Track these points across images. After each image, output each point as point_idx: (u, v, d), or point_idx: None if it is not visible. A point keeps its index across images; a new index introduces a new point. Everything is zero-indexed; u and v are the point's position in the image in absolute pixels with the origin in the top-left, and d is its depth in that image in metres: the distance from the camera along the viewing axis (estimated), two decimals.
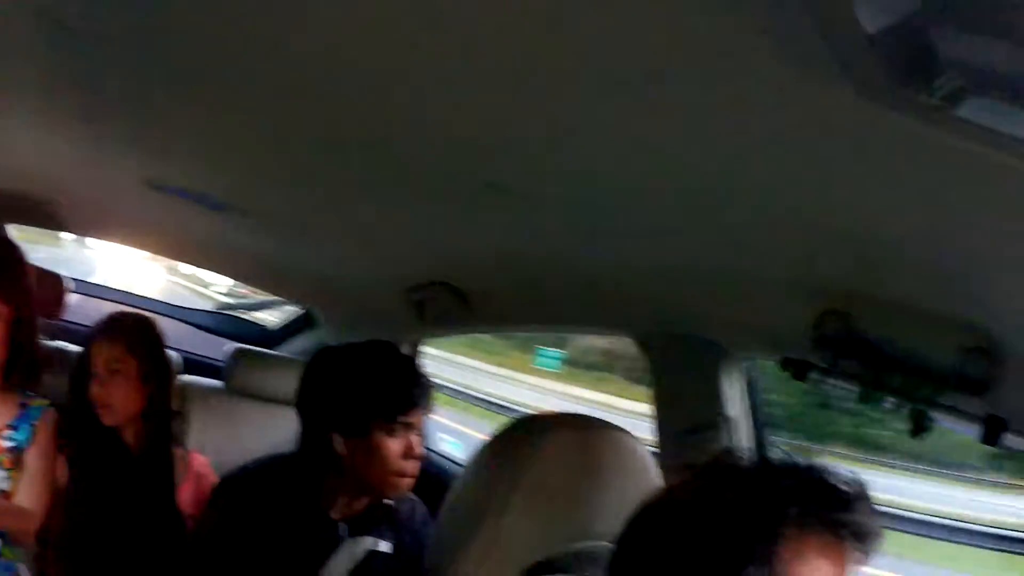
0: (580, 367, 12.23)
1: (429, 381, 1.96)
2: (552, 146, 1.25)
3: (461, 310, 2.24)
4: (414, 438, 1.89)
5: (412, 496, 2.03)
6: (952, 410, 1.43)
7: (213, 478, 2.32)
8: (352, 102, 1.27)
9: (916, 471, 8.70)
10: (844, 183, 1.08)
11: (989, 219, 1.05)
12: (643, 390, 2.11)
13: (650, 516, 1.09)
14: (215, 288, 10.36)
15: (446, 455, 2.95)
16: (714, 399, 1.94)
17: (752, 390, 2.04)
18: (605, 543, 1.10)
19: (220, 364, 2.93)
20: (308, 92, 1.27)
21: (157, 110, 1.53)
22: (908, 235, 1.17)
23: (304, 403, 1.97)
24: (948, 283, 1.28)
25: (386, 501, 1.96)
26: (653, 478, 1.46)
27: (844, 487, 1.01)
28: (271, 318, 3.66)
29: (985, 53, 0.73)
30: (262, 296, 3.74)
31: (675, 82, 0.94)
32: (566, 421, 1.40)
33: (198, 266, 3.67)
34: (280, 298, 3.37)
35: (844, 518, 0.99)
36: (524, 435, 1.35)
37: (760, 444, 2.03)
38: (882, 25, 0.70)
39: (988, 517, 7.60)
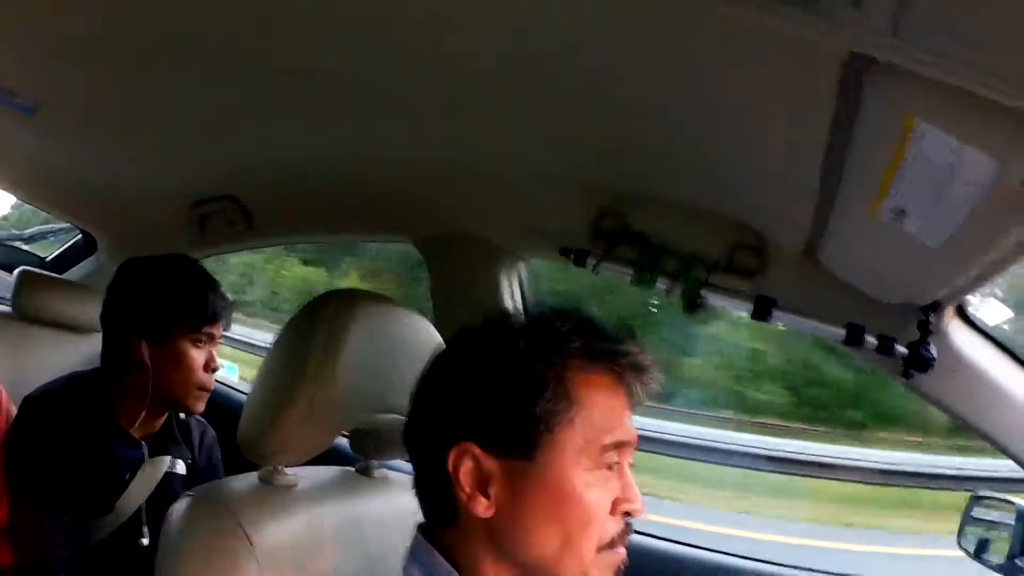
0: None
1: (229, 297, 1.96)
2: (343, 31, 1.27)
3: (244, 224, 2.21)
4: (214, 352, 1.92)
5: (201, 418, 2.05)
6: (724, 291, 1.59)
7: (8, 405, 2.16)
8: None
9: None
10: (614, 76, 1.15)
11: (751, 114, 1.15)
12: None
13: (441, 366, 1.12)
14: None
15: (225, 381, 2.90)
16: (493, 298, 2.01)
17: (523, 288, 2.11)
18: (401, 416, 1.15)
19: None
20: None
21: None
22: (676, 134, 1.26)
23: (109, 312, 1.94)
24: (715, 183, 1.41)
25: (181, 417, 1.99)
26: None
27: (615, 328, 1.09)
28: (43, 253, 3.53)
29: None
30: (35, 228, 3.61)
31: None
32: (370, 297, 1.42)
33: None
34: (58, 224, 3.16)
35: (621, 349, 1.06)
36: (334, 308, 1.35)
37: None
38: None
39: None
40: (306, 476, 1.38)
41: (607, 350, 1.06)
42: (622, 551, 1.07)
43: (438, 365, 1.12)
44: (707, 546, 2.19)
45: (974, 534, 1.81)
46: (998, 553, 1.75)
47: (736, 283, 1.60)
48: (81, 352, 1.97)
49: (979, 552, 1.79)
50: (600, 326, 1.09)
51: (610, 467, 1.05)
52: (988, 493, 1.88)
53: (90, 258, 2.84)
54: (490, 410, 1.04)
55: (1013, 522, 1.77)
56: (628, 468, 1.08)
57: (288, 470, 1.34)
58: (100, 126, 1.93)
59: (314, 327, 1.32)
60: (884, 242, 1.22)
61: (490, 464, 1.03)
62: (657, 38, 1.08)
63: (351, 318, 1.33)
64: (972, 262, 1.17)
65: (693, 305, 1.60)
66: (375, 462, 1.51)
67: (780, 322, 1.60)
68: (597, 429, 1.03)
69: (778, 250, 1.52)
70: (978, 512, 1.84)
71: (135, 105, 1.75)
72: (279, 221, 2.25)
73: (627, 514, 1.06)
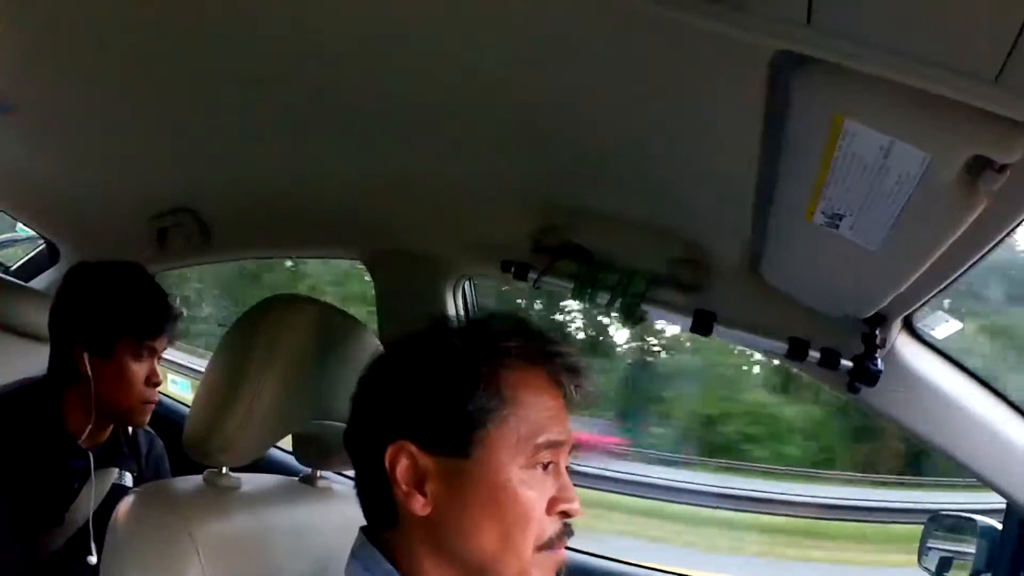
0: None
1: (177, 310, 1.92)
2: (298, 46, 1.28)
3: (202, 238, 2.20)
4: (156, 366, 1.87)
5: (149, 429, 2.02)
6: (665, 304, 1.60)
7: None
8: None
9: None
10: (551, 91, 1.15)
11: (686, 123, 1.14)
12: None
13: (380, 367, 1.14)
14: None
15: (175, 397, 2.92)
16: (437, 313, 1.99)
17: (467, 304, 2.13)
18: (343, 424, 1.16)
19: None
20: None
21: None
22: (614, 147, 1.26)
23: (55, 320, 1.89)
24: (655, 196, 1.40)
25: (129, 430, 1.95)
26: None
27: (548, 332, 1.13)
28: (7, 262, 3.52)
29: None
30: (2, 236, 3.60)
31: None
32: (314, 304, 1.43)
33: None
34: (25, 233, 3.19)
35: (556, 351, 1.10)
36: (278, 313, 1.37)
37: None
38: None
39: None
40: (250, 481, 1.39)
41: (542, 351, 1.09)
42: (562, 552, 1.08)
43: (376, 367, 1.14)
44: (643, 564, 2.25)
45: (935, 553, 1.79)
46: (961, 571, 1.74)
47: (677, 298, 1.59)
48: (45, 361, 1.93)
49: (941, 571, 1.78)
50: (536, 329, 1.12)
51: (545, 466, 1.06)
52: (947, 512, 1.86)
53: (53, 268, 2.84)
54: (425, 408, 1.06)
55: (976, 539, 1.76)
56: (564, 469, 1.09)
57: (233, 475, 1.35)
58: (63, 133, 1.93)
59: (257, 331, 1.34)
60: (823, 251, 1.20)
61: (426, 462, 1.05)
62: (591, 51, 1.07)
63: (294, 323, 1.36)
64: (913, 269, 1.14)
65: (632, 319, 1.60)
66: (319, 472, 1.52)
67: (721, 337, 1.58)
68: (531, 427, 1.05)
69: (720, 264, 1.51)
70: (938, 531, 1.83)
71: (98, 114, 1.75)
72: (235, 236, 2.24)
73: (565, 515, 1.07)
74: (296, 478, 1.53)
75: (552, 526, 1.06)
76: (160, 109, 1.65)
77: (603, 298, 1.64)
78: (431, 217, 1.84)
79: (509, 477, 1.03)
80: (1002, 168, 0.86)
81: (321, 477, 1.53)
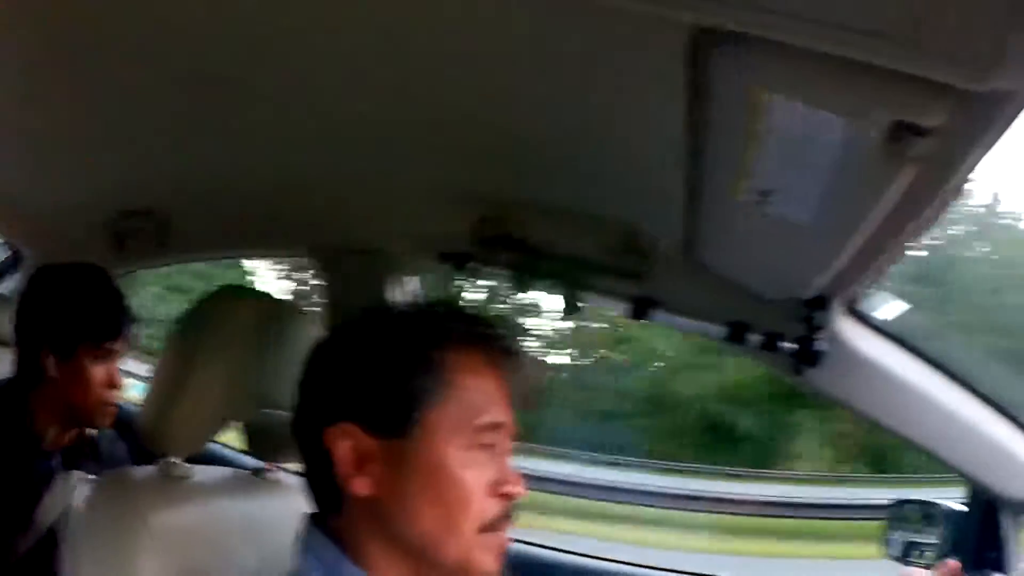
0: None
1: (135, 314, 1.95)
2: (241, 42, 1.27)
3: (160, 239, 2.16)
4: (114, 368, 1.87)
5: (113, 431, 2.01)
6: (605, 292, 1.59)
7: None
8: None
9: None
10: (480, 80, 1.14)
11: (614, 107, 1.11)
12: None
13: (322, 351, 1.14)
14: None
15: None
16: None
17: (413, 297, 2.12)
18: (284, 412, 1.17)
19: None
20: None
21: None
22: (546, 134, 1.24)
23: (19, 323, 1.90)
24: (590, 183, 1.38)
25: (90, 433, 1.95)
26: None
27: (489, 318, 1.15)
28: None
29: None
30: None
31: None
32: (259, 295, 1.47)
33: None
34: None
35: (496, 334, 1.12)
36: (225, 304, 1.41)
37: None
38: None
39: None
40: (202, 472, 1.41)
41: (482, 334, 1.11)
42: (504, 535, 1.09)
43: (319, 351, 1.15)
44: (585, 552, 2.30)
45: (900, 540, 1.79)
46: (927, 557, 1.73)
47: (617, 285, 1.58)
48: (8, 365, 1.95)
49: (906, 557, 1.77)
50: (476, 314, 1.14)
51: (486, 448, 1.07)
52: (910, 498, 1.86)
53: (17, 273, 2.78)
54: (366, 389, 1.07)
55: (940, 524, 1.76)
56: (506, 452, 1.10)
57: (185, 464, 1.36)
58: (20, 136, 1.87)
59: (203, 322, 1.38)
60: (756, 230, 1.19)
61: (368, 443, 1.05)
62: (517, 39, 1.04)
63: (238, 314, 1.38)
64: (846, 243, 1.13)
65: (571, 308, 1.58)
66: (270, 465, 1.54)
67: (661, 321, 1.58)
68: (471, 409, 1.06)
69: (659, 249, 1.49)
70: (901, 519, 1.83)
71: (52, 116, 1.70)
72: (192, 237, 2.20)
73: (507, 497, 1.08)
74: (248, 471, 1.54)
75: (494, 508, 1.06)
76: (111, 110, 1.63)
77: (542, 287, 1.65)
78: (373, 213, 1.83)
79: (449, 458, 1.04)
80: (926, 133, 0.84)
81: (272, 470, 1.54)
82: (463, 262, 1.72)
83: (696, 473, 12.86)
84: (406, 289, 2.05)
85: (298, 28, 1.16)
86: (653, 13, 0.85)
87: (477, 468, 1.06)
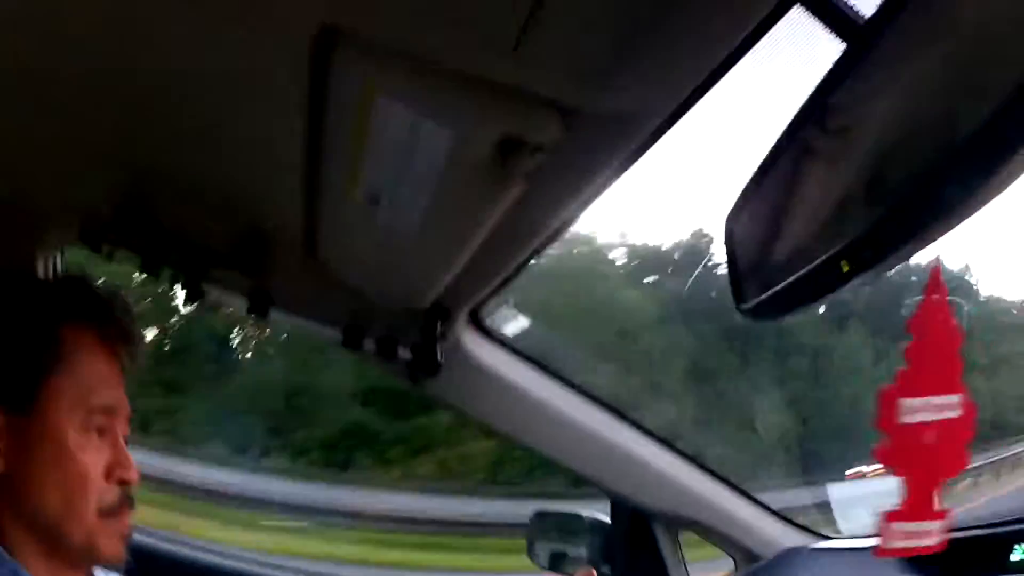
0: None
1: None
2: None
3: None
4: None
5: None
6: (222, 283, 1.56)
7: None
8: None
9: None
10: (113, 61, 1.06)
11: (236, 100, 1.07)
12: None
13: None
14: None
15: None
16: None
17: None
18: None
19: None
20: None
21: None
22: (177, 121, 1.18)
23: None
24: (220, 173, 1.33)
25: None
26: None
27: (109, 297, 1.16)
28: None
29: None
30: None
31: None
32: None
33: None
34: None
35: (112, 316, 1.13)
36: None
37: None
38: None
39: None
40: None
41: (98, 315, 1.12)
42: (126, 521, 1.09)
43: None
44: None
45: (545, 549, 1.84)
46: (575, 564, 1.79)
47: (237, 278, 1.51)
48: None
49: (555, 566, 1.82)
50: (96, 291, 1.14)
51: (101, 432, 1.07)
52: (550, 509, 1.92)
53: None
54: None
55: (585, 533, 1.83)
56: (121, 437, 1.11)
57: None
58: None
59: None
60: (369, 235, 1.16)
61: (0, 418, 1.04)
62: (143, 19, 0.94)
63: None
64: (456, 257, 1.13)
65: (192, 298, 1.51)
66: None
67: (280, 320, 1.56)
68: (85, 390, 1.07)
69: (280, 245, 1.42)
70: (544, 529, 1.87)
71: None
72: None
73: (123, 482, 1.08)
74: None
75: (111, 493, 1.07)
76: None
77: (167, 274, 1.54)
78: (19, 182, 1.60)
79: (66, 438, 1.04)
80: (536, 149, 0.84)
81: None
82: (99, 241, 1.58)
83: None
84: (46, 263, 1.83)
85: None
86: (279, 6, 0.81)
87: (93, 451, 1.06)
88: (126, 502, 1.08)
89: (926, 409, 1.11)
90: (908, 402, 1.09)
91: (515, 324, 1.78)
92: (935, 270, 1.10)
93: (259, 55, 0.94)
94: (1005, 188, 0.54)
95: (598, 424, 1.70)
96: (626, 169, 0.96)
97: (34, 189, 1.63)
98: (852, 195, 0.69)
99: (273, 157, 1.16)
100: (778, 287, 0.76)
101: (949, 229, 0.59)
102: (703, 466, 1.76)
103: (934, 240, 0.61)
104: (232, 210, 1.42)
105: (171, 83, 1.12)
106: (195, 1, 0.89)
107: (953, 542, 1.35)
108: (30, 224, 1.74)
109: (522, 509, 2.21)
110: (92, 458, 1.04)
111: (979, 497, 8.02)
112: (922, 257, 0.69)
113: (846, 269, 0.65)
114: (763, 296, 0.80)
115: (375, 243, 1.17)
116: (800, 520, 1.87)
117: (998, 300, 16.94)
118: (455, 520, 10.86)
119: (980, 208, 0.56)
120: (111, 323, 1.11)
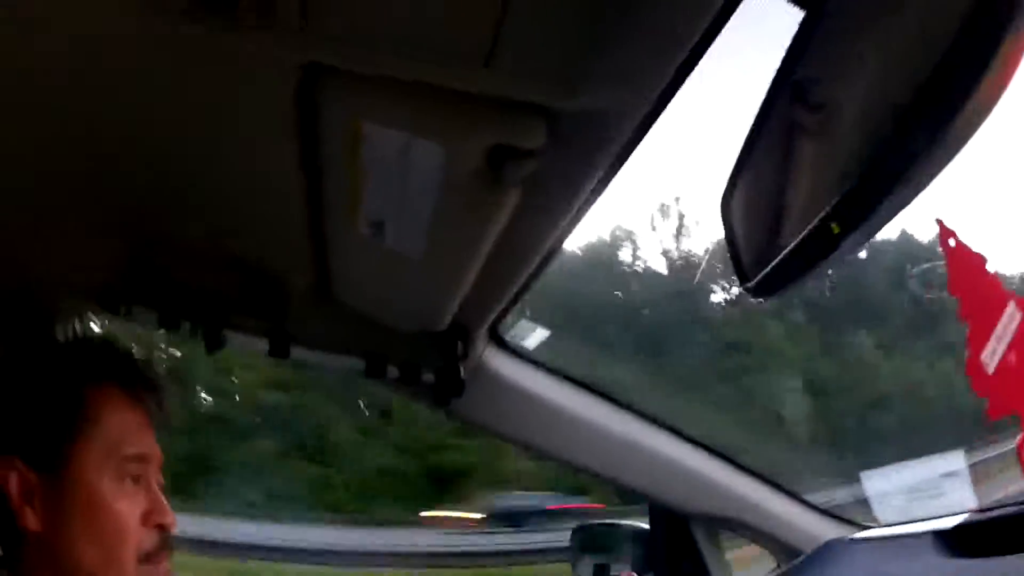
0: None
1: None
2: None
3: None
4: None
5: None
6: (243, 328, 1.55)
7: None
8: None
9: None
10: (126, 114, 1.07)
11: (231, 146, 1.09)
12: None
13: None
14: None
15: None
16: None
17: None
18: None
19: None
20: None
21: None
22: (186, 175, 1.20)
23: None
24: (226, 223, 1.35)
25: None
26: None
27: (134, 354, 1.21)
28: None
29: None
30: None
31: None
32: None
33: None
34: None
35: (139, 370, 1.18)
36: None
37: None
38: None
39: None
40: None
41: (120, 371, 1.15)
42: (165, 565, 1.12)
43: None
44: None
45: (588, 563, 1.83)
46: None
47: (255, 323, 1.52)
48: None
49: None
50: (116, 348, 1.20)
51: (135, 480, 1.10)
52: (591, 522, 1.92)
53: None
54: (19, 424, 1.09)
55: (626, 543, 1.82)
56: (155, 483, 1.13)
57: None
58: None
59: None
60: (378, 263, 1.18)
61: (31, 477, 1.06)
62: (143, 73, 0.95)
63: None
64: (464, 274, 1.14)
65: (213, 346, 1.51)
66: None
67: (300, 358, 1.55)
68: (115, 442, 1.09)
69: (294, 286, 1.44)
70: (586, 542, 1.87)
71: None
72: None
73: (161, 528, 1.11)
74: None
75: (149, 539, 1.10)
76: None
77: (187, 326, 1.55)
78: (22, 255, 1.63)
79: (100, 491, 1.06)
80: (526, 156, 0.86)
81: None
82: (115, 303, 1.58)
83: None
84: (64, 328, 1.86)
85: None
86: (260, 51, 0.82)
87: (129, 498, 1.08)
88: (164, 547, 1.10)
89: (998, 341, 1.11)
90: (985, 352, 1.10)
91: (539, 338, 1.78)
92: (941, 223, 1.11)
93: (247, 109, 0.97)
94: (973, 129, 0.55)
95: (630, 430, 1.68)
96: (619, 168, 0.97)
97: (47, 260, 1.66)
98: (833, 157, 0.70)
99: (275, 202, 1.18)
100: (776, 260, 0.76)
101: (931, 178, 0.60)
102: (738, 464, 1.75)
103: (917, 192, 0.61)
104: (242, 259, 1.45)
105: (171, 150, 1.15)
106: (186, 78, 0.92)
107: (993, 520, 1.34)
108: (47, 294, 1.77)
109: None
110: (128, 506, 1.07)
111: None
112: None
113: (837, 231, 0.66)
114: (763, 272, 0.81)
115: (385, 270, 1.19)
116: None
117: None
118: None
119: (955, 152, 0.57)
120: (134, 376, 1.15)
